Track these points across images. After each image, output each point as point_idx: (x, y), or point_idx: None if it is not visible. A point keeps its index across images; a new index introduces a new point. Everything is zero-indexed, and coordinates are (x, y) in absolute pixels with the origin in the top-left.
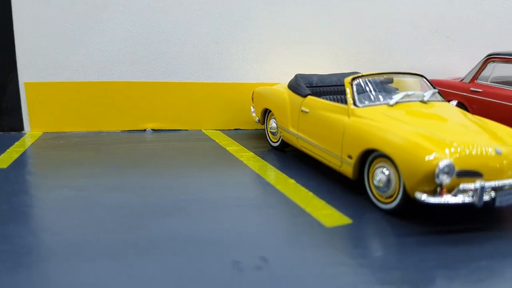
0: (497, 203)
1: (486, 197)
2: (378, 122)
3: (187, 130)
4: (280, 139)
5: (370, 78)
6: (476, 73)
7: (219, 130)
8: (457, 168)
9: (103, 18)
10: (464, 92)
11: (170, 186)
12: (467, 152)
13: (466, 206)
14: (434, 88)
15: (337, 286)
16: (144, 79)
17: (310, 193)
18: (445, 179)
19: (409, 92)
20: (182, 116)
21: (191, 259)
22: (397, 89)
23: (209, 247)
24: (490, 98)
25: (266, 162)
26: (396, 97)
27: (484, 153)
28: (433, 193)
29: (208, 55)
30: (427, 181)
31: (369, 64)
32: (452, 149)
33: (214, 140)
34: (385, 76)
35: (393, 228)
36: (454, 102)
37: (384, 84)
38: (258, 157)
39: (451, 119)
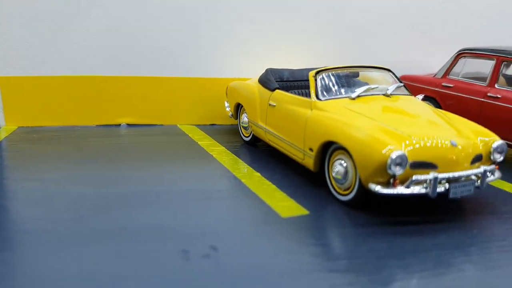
0: (451, 195)
1: (440, 189)
2: (338, 114)
3: (162, 125)
4: (252, 134)
5: (334, 72)
6: (448, 68)
7: (195, 125)
8: (410, 160)
9: (79, 13)
10: (436, 88)
11: (137, 178)
12: (422, 144)
13: (424, 198)
14: (401, 82)
15: (281, 273)
16: (119, 73)
17: (273, 186)
18: (398, 170)
19: (372, 86)
20: (158, 111)
21: (143, 247)
22: (367, 83)
23: (163, 236)
24: (460, 93)
25: (235, 156)
26: (359, 91)
27: (439, 145)
28: (387, 184)
29: (184, 50)
30: (380, 172)
31: (345, 59)
32: (407, 141)
33: (188, 135)
34: (350, 70)
35: (350, 219)
36: (420, 96)
37: (351, 78)
38: (228, 152)
39: (411, 112)
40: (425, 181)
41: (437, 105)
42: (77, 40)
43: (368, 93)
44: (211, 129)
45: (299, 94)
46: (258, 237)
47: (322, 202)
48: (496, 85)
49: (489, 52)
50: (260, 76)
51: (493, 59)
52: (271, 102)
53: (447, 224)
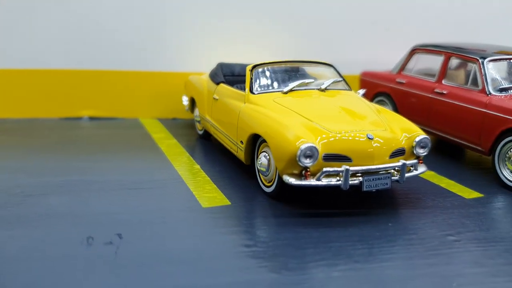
0: (365, 188)
1: (354, 181)
2: (265, 108)
3: (124, 118)
4: (204, 127)
5: (271, 67)
6: (403, 64)
7: (157, 119)
8: (324, 152)
9: (37, 6)
10: (391, 84)
11: (77, 168)
12: (338, 137)
13: (357, 191)
14: (341, 77)
15: (178, 260)
16: (81, 67)
17: (208, 178)
18: (308, 162)
19: (307, 80)
20: (120, 104)
21: (50, 231)
22: (315, 78)
23: (75, 223)
24: (412, 89)
25: (183, 149)
26: (292, 85)
27: (356, 138)
28: (300, 176)
29: (144, 43)
30: (292, 164)
31: (305, 55)
32: (324, 135)
33: (145, 128)
34: (290, 65)
35: (268, 210)
36: (362, 91)
37: (293, 73)
38: (179, 145)
39: (339, 107)
40: (337, 173)
41: (391, 101)
42: (38, 34)
43: (302, 87)
44: (172, 123)
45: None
46: (168, 226)
47: (252, 195)
48: (443, 81)
49: (438, 48)
50: (211, 70)
51: (442, 55)
52: (215, 96)
53: (364, 217)
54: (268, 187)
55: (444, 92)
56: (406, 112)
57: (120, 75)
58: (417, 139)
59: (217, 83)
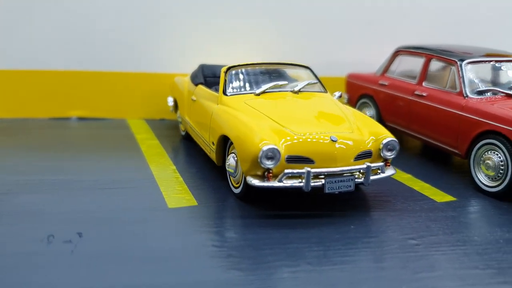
0: (327, 190)
1: (317, 183)
2: (235, 110)
3: (112, 119)
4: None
5: (247, 69)
6: (386, 66)
7: (145, 119)
8: (286, 154)
9: (31, 6)
10: (374, 86)
11: (53, 167)
12: (302, 139)
13: (322, 193)
14: (317, 79)
15: (132, 258)
16: (71, 68)
17: (181, 179)
18: (270, 164)
19: (280, 82)
20: (109, 105)
21: (13, 230)
22: (296, 80)
23: (38, 221)
24: (393, 91)
25: (163, 150)
26: (264, 87)
27: (320, 141)
28: (263, 177)
29: (133, 44)
30: (255, 165)
31: (293, 56)
32: (288, 137)
33: (130, 129)
34: (266, 67)
35: (234, 211)
36: (338, 94)
37: (267, 74)
38: (160, 145)
39: (309, 109)
40: (299, 175)
41: (375, 103)
42: (28, 35)
43: (276, 89)
44: (159, 124)
45: None
46: (129, 225)
47: (222, 196)
48: (423, 84)
49: (420, 50)
50: (193, 72)
51: (423, 57)
52: (193, 97)
53: (329, 218)
54: (236, 188)
55: (424, 94)
56: (388, 114)
57: (110, 76)
58: (384, 141)
59: (196, 85)
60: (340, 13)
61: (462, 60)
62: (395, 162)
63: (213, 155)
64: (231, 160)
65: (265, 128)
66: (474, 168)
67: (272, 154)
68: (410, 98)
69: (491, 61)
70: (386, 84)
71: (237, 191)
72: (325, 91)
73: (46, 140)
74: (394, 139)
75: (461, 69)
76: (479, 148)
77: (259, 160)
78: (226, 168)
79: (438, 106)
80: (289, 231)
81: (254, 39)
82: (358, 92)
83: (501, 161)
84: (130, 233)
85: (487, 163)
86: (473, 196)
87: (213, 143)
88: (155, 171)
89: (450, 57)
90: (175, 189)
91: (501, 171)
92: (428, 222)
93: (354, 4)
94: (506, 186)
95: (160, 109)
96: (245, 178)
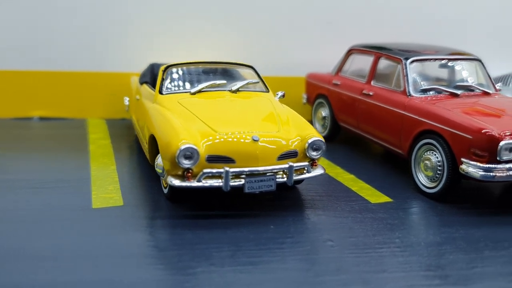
0: (247, 189)
1: (237, 183)
2: (167, 109)
3: (73, 119)
4: None
5: (187, 67)
6: (340, 66)
7: (105, 119)
8: (207, 154)
9: None
10: (328, 85)
11: None
12: (223, 139)
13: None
14: (260, 78)
15: (41, 256)
16: (33, 68)
17: (117, 179)
18: (188, 163)
19: (218, 81)
20: (71, 105)
21: None
22: (245, 78)
23: None
24: (344, 90)
25: (111, 150)
26: (200, 86)
27: (241, 140)
28: (182, 177)
29: (93, 44)
30: (174, 165)
31: (255, 55)
32: (210, 137)
33: (86, 129)
34: (207, 66)
35: (161, 211)
36: (280, 93)
37: (207, 74)
38: (110, 145)
39: (240, 109)
40: (219, 175)
41: (328, 103)
42: None
43: (214, 88)
44: (119, 124)
45: None
46: (45, 224)
47: (153, 196)
48: (372, 83)
49: (370, 48)
50: (142, 71)
51: (372, 55)
52: (137, 96)
53: (250, 219)
54: (165, 188)
55: (371, 93)
56: (340, 114)
57: (71, 76)
58: (310, 141)
59: (141, 83)
60: (303, 13)
61: (407, 59)
62: (340, 162)
63: (147, 155)
64: (159, 160)
65: (189, 128)
66: (414, 169)
67: (190, 154)
68: (358, 97)
69: (437, 59)
70: (339, 83)
71: (165, 191)
72: (267, 91)
73: (1, 140)
74: (320, 138)
75: (405, 67)
76: (419, 148)
77: (176, 159)
78: (155, 168)
79: (383, 106)
80: (204, 232)
81: (215, 39)
82: (315, 92)
83: (439, 162)
84: (40, 232)
85: (426, 163)
86: (411, 197)
87: (147, 142)
88: (94, 171)
89: (396, 55)
90: (106, 189)
91: (438, 172)
92: (353, 223)
93: (317, 3)
94: (442, 187)
95: (120, 109)
96: None
